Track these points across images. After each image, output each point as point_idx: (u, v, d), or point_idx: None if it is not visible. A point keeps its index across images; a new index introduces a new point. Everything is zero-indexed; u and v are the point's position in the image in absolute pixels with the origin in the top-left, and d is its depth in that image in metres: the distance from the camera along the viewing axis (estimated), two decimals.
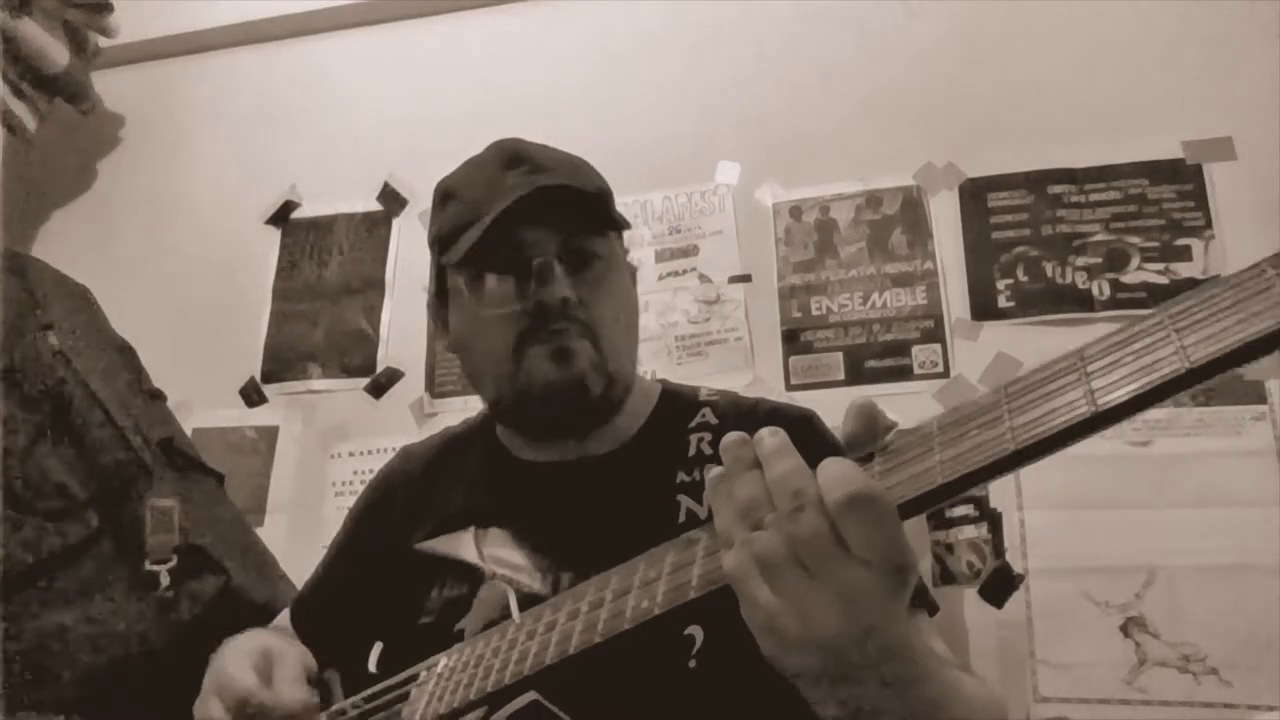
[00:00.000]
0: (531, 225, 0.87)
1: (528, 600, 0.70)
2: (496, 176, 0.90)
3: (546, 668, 0.60)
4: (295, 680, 0.81)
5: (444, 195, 0.96)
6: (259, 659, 0.82)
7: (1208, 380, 0.39)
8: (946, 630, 0.89)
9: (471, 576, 0.87)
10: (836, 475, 0.48)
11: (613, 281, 0.92)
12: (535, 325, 0.86)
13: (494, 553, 0.89)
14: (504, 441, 0.99)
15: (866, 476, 0.48)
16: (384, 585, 0.93)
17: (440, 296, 0.98)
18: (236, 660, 0.81)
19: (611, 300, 0.91)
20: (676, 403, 0.97)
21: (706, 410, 0.95)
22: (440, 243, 0.94)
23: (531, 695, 0.65)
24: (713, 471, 0.54)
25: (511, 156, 0.92)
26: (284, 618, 1.06)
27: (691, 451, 0.90)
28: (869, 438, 0.52)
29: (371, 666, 0.84)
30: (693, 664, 0.76)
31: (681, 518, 0.84)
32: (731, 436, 0.53)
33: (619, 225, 0.93)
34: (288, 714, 0.77)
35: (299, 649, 0.88)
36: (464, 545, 0.90)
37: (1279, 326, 0.37)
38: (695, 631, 0.77)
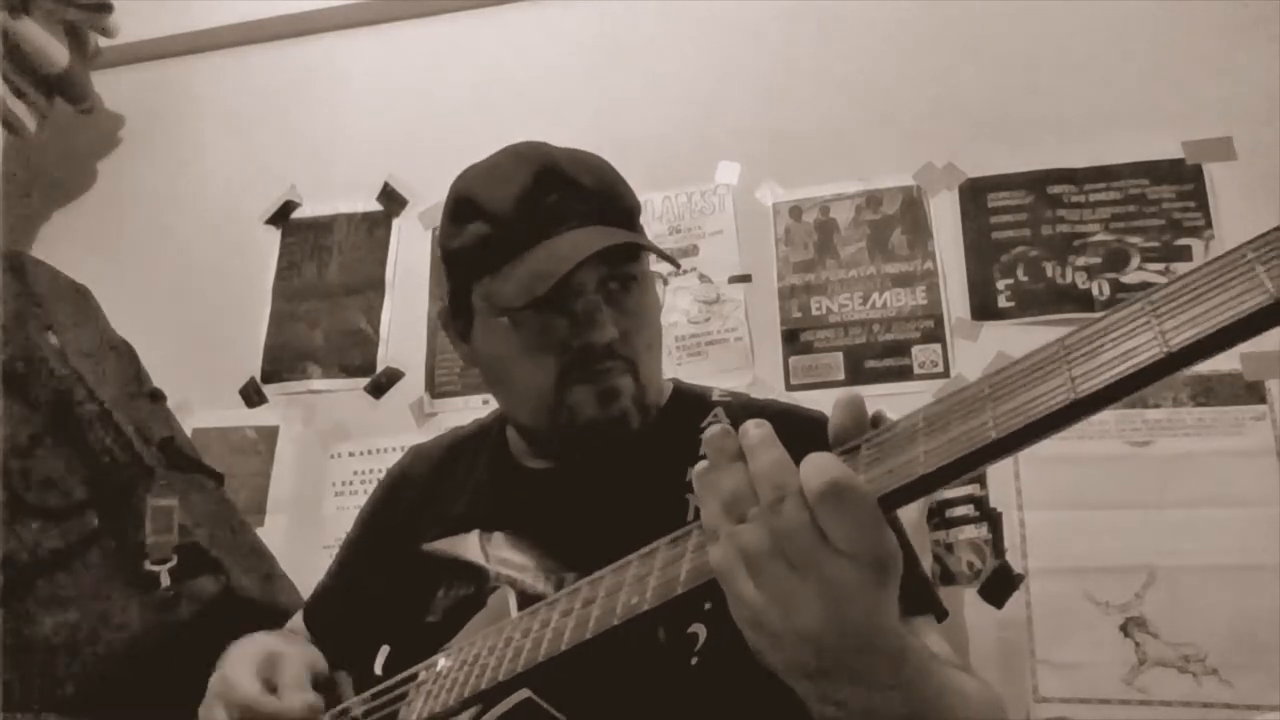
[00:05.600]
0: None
1: (533, 603, 0.70)
2: (531, 197, 0.86)
3: (538, 665, 0.60)
4: (298, 684, 0.81)
5: (462, 205, 0.91)
6: (262, 664, 0.82)
7: (1188, 365, 0.39)
8: (947, 630, 0.89)
9: (477, 577, 0.88)
10: (815, 467, 0.48)
11: (647, 307, 0.91)
12: (580, 364, 0.86)
13: (499, 555, 0.89)
14: (512, 448, 0.99)
15: (845, 468, 0.47)
16: (391, 585, 0.94)
17: (455, 307, 0.95)
18: (239, 666, 0.81)
19: (648, 328, 0.91)
20: (688, 403, 0.97)
21: (719, 411, 0.94)
22: (463, 260, 0.91)
23: (524, 693, 0.65)
24: (698, 466, 0.53)
25: (544, 172, 0.87)
26: (297, 619, 1.07)
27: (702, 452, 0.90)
28: (855, 431, 0.52)
29: (377, 669, 0.84)
30: (695, 661, 0.76)
31: (689, 517, 0.84)
32: (715, 429, 0.53)
33: (675, 262, 0.91)
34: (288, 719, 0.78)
35: (305, 650, 0.89)
36: (469, 548, 0.91)
37: (1256, 310, 0.37)
38: (698, 629, 0.77)
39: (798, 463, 0.49)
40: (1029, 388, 0.44)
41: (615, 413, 0.87)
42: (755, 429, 0.51)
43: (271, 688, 0.80)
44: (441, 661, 0.74)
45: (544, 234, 0.85)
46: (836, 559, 0.47)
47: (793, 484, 0.48)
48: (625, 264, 0.88)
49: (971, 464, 0.44)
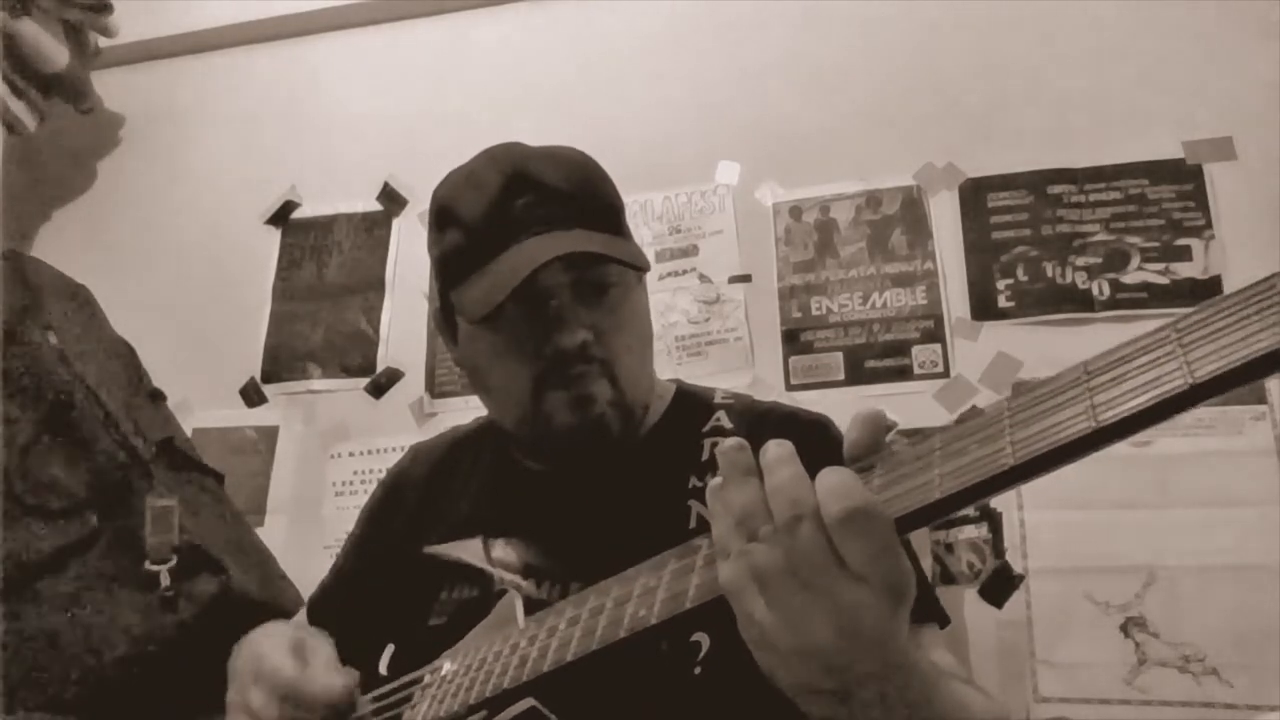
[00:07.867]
0: (545, 264, 0.82)
1: (537, 608, 0.69)
2: (500, 203, 0.85)
3: (544, 674, 0.60)
4: (332, 666, 0.79)
5: (441, 213, 0.91)
6: (294, 647, 0.80)
7: (1213, 397, 0.38)
8: (947, 632, 0.89)
9: (480, 580, 0.87)
10: (833, 487, 0.47)
11: (628, 307, 0.90)
12: (553, 369, 0.85)
13: (502, 559, 0.88)
14: (513, 450, 0.98)
15: (865, 490, 0.46)
16: (394, 586, 0.93)
17: (445, 310, 0.95)
18: (274, 648, 0.79)
19: (627, 328, 0.89)
20: (690, 405, 0.96)
21: (721, 414, 0.94)
22: (443, 268, 0.91)
23: (529, 702, 0.65)
24: (713, 480, 0.53)
25: (514, 178, 0.86)
26: (300, 618, 1.06)
27: (704, 456, 0.89)
28: (872, 447, 0.51)
29: (382, 669, 0.84)
30: (698, 670, 0.76)
31: (692, 523, 0.83)
32: (729, 442, 0.52)
33: (638, 266, 0.88)
34: (330, 700, 0.76)
35: (328, 639, 0.88)
36: (472, 551, 0.90)
37: None
38: (701, 638, 0.76)
39: (808, 469, 0.49)
40: (1049, 414, 0.43)
41: (592, 418, 0.86)
42: (776, 447, 0.50)
43: (304, 669, 0.79)
44: (446, 665, 0.74)
45: (508, 242, 0.84)
46: (851, 582, 0.46)
47: (809, 503, 0.47)
48: (598, 265, 0.86)
49: (988, 490, 0.44)
